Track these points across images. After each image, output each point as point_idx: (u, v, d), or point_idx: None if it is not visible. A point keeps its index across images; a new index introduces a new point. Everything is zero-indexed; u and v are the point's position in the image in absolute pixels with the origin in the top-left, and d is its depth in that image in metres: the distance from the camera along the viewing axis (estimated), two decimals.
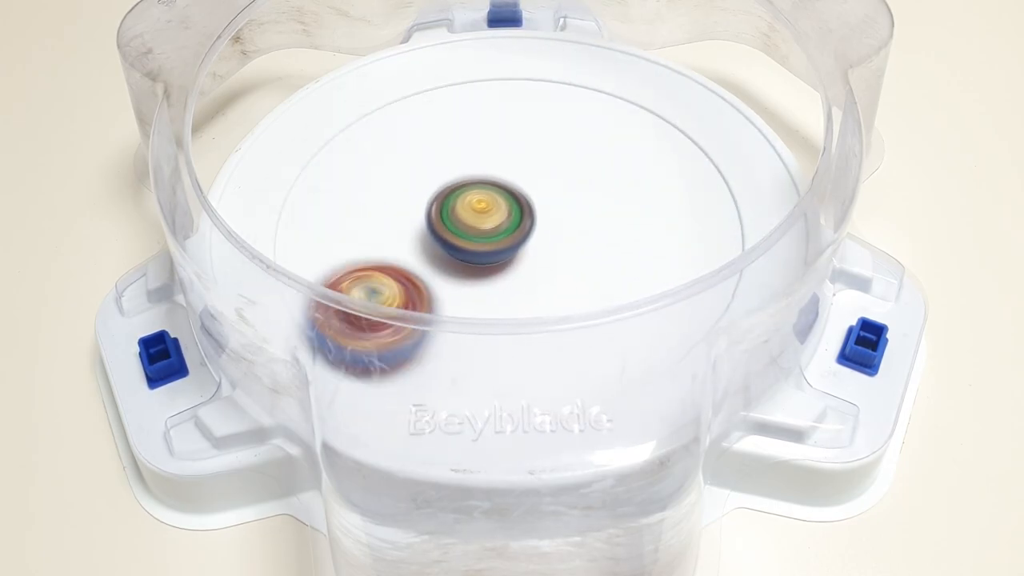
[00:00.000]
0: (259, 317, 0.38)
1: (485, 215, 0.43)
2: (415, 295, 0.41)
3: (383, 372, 0.38)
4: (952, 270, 0.48)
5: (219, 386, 0.42)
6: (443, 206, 0.44)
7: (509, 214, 0.43)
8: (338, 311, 0.37)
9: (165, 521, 0.42)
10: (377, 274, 0.41)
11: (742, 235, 0.45)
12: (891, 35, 0.45)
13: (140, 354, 0.43)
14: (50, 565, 0.41)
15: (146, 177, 0.46)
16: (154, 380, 0.43)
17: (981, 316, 0.47)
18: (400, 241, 0.45)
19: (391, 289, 0.41)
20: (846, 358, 0.43)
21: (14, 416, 0.45)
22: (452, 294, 0.43)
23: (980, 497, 0.42)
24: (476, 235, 0.43)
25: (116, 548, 0.42)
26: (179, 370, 0.43)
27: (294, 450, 0.41)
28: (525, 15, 0.54)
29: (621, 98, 0.50)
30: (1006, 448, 0.44)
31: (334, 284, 0.40)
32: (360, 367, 0.38)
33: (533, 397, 0.37)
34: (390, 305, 0.40)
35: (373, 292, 0.40)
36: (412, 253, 0.45)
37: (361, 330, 0.38)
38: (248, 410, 0.41)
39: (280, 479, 0.42)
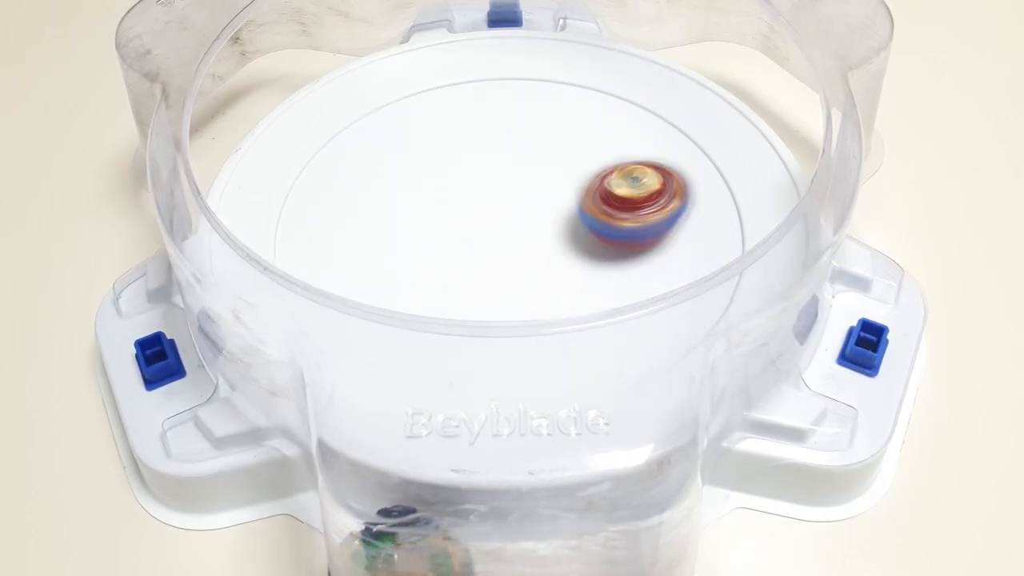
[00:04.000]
0: (256, 319, 0.38)
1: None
2: (670, 182, 0.44)
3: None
4: (952, 271, 0.48)
5: (216, 387, 0.42)
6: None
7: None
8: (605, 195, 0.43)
9: (165, 521, 0.42)
10: (640, 167, 0.44)
11: (742, 235, 0.45)
12: (891, 37, 0.45)
13: (136, 356, 0.43)
14: (50, 565, 0.41)
15: (145, 178, 0.46)
16: (151, 381, 0.43)
17: (981, 317, 0.47)
18: (400, 241, 0.45)
19: (650, 177, 0.44)
20: (846, 359, 0.43)
21: (14, 416, 0.45)
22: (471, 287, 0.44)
23: (980, 497, 0.42)
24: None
25: (116, 548, 0.42)
26: (176, 371, 0.43)
27: (292, 451, 0.41)
28: (525, 15, 0.54)
29: (621, 98, 0.50)
30: (1006, 448, 0.44)
31: (603, 176, 0.45)
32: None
33: (530, 400, 0.37)
34: (650, 189, 0.44)
35: (635, 180, 0.44)
36: (412, 253, 0.45)
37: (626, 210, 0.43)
38: (246, 411, 0.41)
39: (278, 479, 0.42)
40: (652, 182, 0.44)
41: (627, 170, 0.44)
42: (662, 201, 0.44)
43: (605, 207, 0.44)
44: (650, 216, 0.44)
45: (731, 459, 0.41)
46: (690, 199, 0.45)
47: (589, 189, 0.45)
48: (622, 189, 0.44)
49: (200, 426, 0.41)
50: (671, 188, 0.44)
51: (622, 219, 0.44)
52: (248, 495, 0.42)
